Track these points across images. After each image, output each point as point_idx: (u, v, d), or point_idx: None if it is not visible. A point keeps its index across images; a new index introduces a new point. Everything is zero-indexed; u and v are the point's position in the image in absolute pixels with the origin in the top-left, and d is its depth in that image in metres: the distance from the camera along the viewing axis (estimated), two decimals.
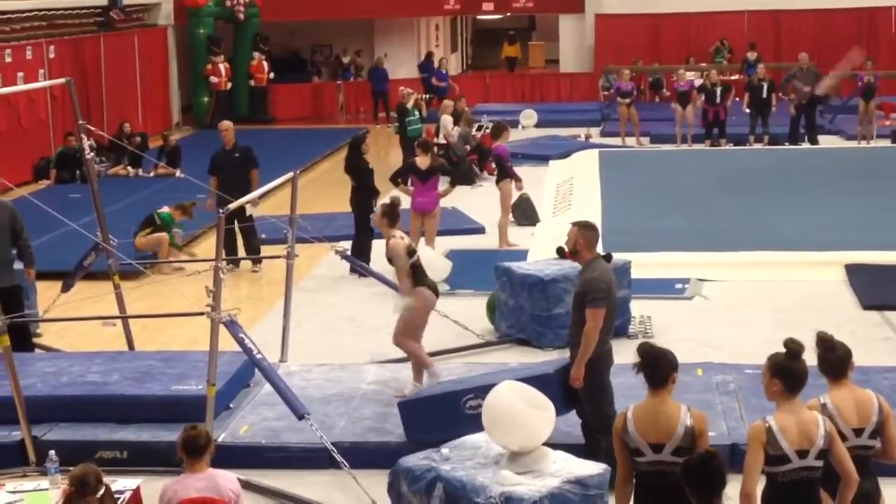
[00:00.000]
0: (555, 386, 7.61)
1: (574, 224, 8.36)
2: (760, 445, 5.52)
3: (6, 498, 7.18)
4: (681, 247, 14.65)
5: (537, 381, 7.74)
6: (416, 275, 9.67)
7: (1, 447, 8.70)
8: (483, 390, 8.14)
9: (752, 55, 27.68)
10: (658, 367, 5.90)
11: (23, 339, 10.23)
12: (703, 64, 28.74)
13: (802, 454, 5.56)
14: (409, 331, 9.74)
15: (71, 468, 6.17)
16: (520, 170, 16.61)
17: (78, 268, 10.82)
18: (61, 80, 10.62)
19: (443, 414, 8.45)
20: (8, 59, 21.30)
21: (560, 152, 22.82)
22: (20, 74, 21.27)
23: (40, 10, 23.68)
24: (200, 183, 13.94)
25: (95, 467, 6.24)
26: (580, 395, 8.08)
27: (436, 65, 30.30)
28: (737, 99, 25.17)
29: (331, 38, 33.51)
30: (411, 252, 9.72)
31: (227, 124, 15.01)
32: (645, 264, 12.98)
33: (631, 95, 24.45)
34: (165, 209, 15.26)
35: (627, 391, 8.07)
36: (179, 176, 14.44)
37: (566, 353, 10.91)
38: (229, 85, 29.11)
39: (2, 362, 8.89)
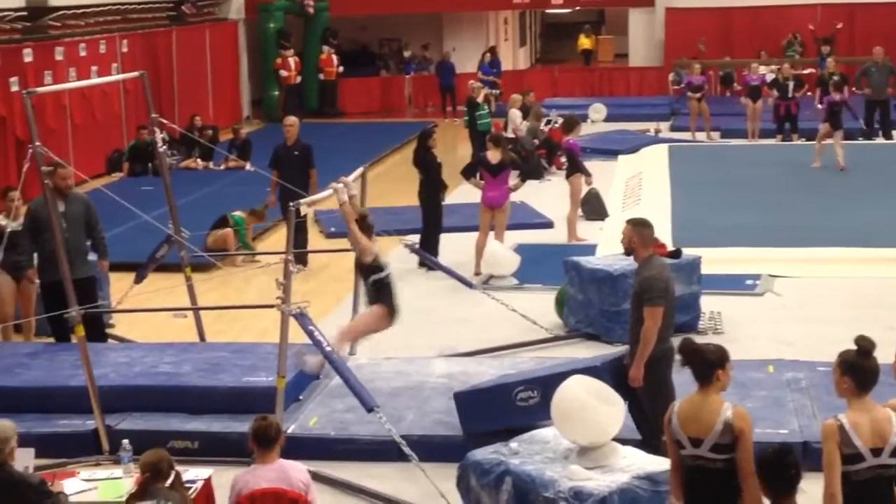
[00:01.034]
0: (605, 378, 7.57)
1: (628, 222, 8.29)
2: (836, 444, 5.47)
3: (80, 486, 7.27)
4: (752, 242, 14.51)
5: (586, 374, 7.71)
6: (383, 292, 9.23)
7: (75, 436, 8.82)
8: (533, 382, 8.21)
9: (825, 49, 27.36)
10: (696, 363, 5.94)
11: (97, 329, 10.34)
12: (776, 58, 28.46)
13: (876, 452, 5.49)
14: (353, 334, 9.53)
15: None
16: (589, 164, 16.55)
17: (150, 259, 10.91)
18: (135, 74, 10.76)
19: (495, 406, 8.50)
20: (82, 53, 21.56)
21: (629, 147, 22.71)
22: (94, 68, 21.54)
23: (114, 5, 23.95)
24: (270, 176, 14.05)
25: (167, 453, 6.32)
26: (641, 394, 7.98)
27: (486, 59, 30.20)
28: (808, 94, 24.91)
29: (399, 32, 33.57)
30: (376, 269, 9.22)
31: (292, 120, 14.99)
32: (715, 260, 12.86)
33: (701, 90, 24.25)
34: (238, 212, 15.39)
35: (690, 387, 8.00)
36: (249, 169, 14.54)
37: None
38: (299, 79, 29.27)
39: (76, 352, 9.02)
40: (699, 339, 10.75)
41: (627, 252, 8.19)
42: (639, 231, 8.11)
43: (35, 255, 10.53)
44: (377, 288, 9.18)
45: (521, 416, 8.12)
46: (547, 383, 7.99)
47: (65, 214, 10.17)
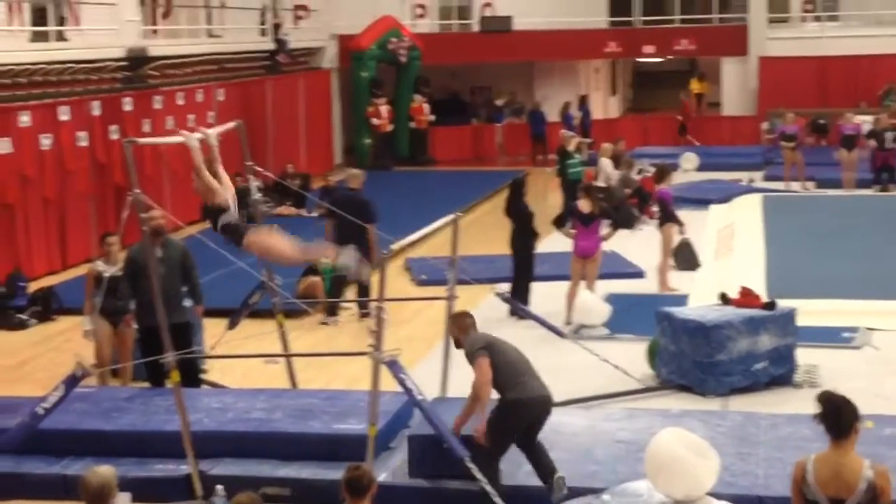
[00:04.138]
0: None
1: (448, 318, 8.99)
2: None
3: None
4: (848, 294, 14.28)
5: None
6: (235, 236, 9.05)
7: (168, 481, 8.89)
8: None
9: None
10: (840, 416, 5.69)
11: (191, 374, 10.46)
12: (874, 108, 28.07)
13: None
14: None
15: None
16: (680, 213, 16.42)
17: (243, 306, 11.00)
18: (232, 125, 10.88)
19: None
20: (180, 102, 21.95)
21: (721, 196, 22.52)
22: (191, 116, 21.91)
23: (211, 55, 24.39)
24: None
25: (259, 498, 6.34)
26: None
27: (572, 111, 30.23)
28: None
29: (490, 80, 33.73)
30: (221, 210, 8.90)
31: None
32: (811, 312, 12.66)
33: (795, 139, 24.02)
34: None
35: (800, 442, 7.88)
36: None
37: (730, 401, 10.82)
38: (391, 127, 29.51)
39: (171, 397, 9.12)
40: (795, 393, 10.69)
41: (457, 345, 8.70)
42: (457, 322, 8.72)
43: (133, 300, 10.69)
44: (229, 233, 8.83)
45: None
46: None
47: (162, 260, 10.33)
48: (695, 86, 35.61)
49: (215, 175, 9.06)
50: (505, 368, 8.29)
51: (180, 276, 10.61)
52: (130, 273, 10.46)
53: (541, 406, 8.37)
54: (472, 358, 8.36)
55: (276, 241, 8.95)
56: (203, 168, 8.94)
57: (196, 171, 8.91)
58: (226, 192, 8.98)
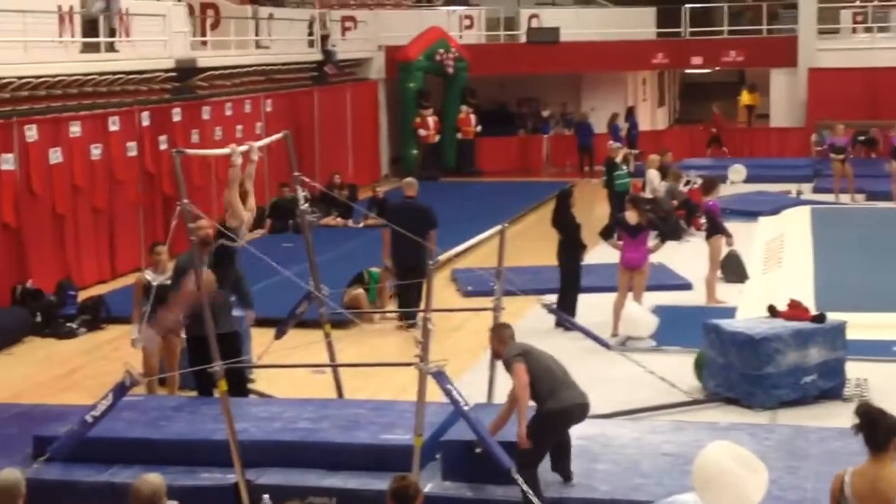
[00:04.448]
0: None
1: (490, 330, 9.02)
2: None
3: None
4: None
5: None
6: (222, 264, 9.71)
7: (216, 489, 8.92)
8: None
9: None
10: (877, 429, 5.65)
11: (239, 384, 10.51)
12: None
13: None
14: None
15: None
16: (728, 226, 16.32)
17: (290, 316, 11.05)
18: (279, 136, 10.94)
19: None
20: (228, 112, 22.09)
21: (770, 208, 22.38)
22: (239, 127, 22.05)
23: (259, 66, 24.54)
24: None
25: None
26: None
27: (620, 122, 30.18)
28: None
29: (538, 91, 33.72)
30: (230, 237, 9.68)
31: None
32: (861, 325, 12.55)
33: (845, 151, 23.84)
34: (375, 269, 15.57)
35: (850, 457, 7.79)
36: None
37: (778, 414, 10.74)
38: (437, 138, 29.55)
39: (218, 406, 9.16)
40: (845, 406, 10.59)
41: (495, 356, 8.91)
42: (498, 333, 8.81)
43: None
44: (218, 256, 9.53)
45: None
46: None
47: (210, 269, 10.38)
48: (745, 97, 35.46)
49: (244, 193, 9.31)
50: (542, 375, 8.41)
51: (229, 284, 10.66)
52: (179, 282, 10.51)
53: (578, 413, 8.53)
54: (509, 365, 8.47)
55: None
56: (236, 187, 9.20)
57: (229, 186, 9.36)
58: (244, 215, 9.24)
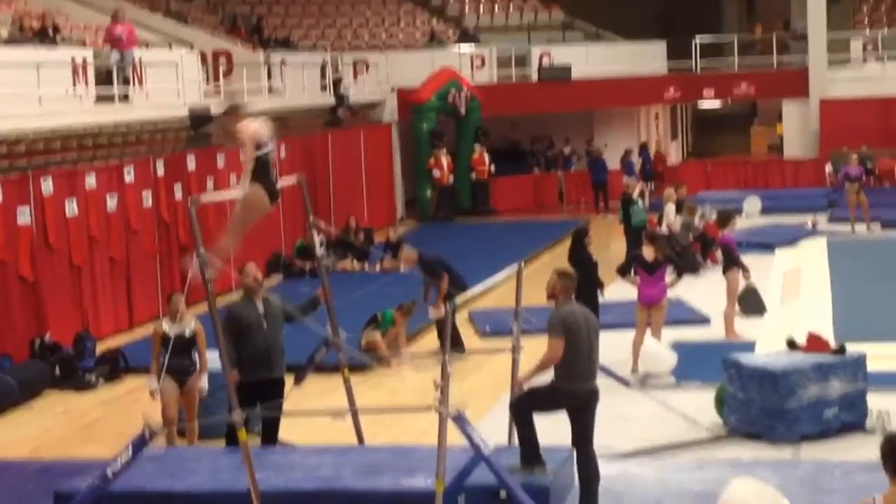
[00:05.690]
0: None
1: (556, 271, 9.39)
2: None
3: None
4: None
5: None
6: (260, 171, 9.35)
7: None
8: None
9: None
10: (892, 456, 5.61)
11: (274, 431, 10.51)
12: None
13: None
14: (236, 223, 9.50)
15: None
16: (745, 258, 16.27)
17: (309, 362, 11.02)
18: (293, 180, 10.96)
19: None
20: (243, 157, 22.09)
21: (786, 240, 22.35)
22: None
23: (273, 111, 24.61)
24: (425, 276, 14.20)
25: None
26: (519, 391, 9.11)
27: (632, 157, 30.16)
28: None
29: (550, 128, 33.78)
30: (260, 146, 9.36)
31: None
32: (882, 356, 12.50)
33: (859, 180, 23.81)
34: (390, 309, 15.59)
35: (876, 490, 7.72)
36: (404, 270, 14.73)
37: (801, 449, 10.67)
38: (451, 178, 29.60)
39: (237, 455, 9.13)
40: (868, 439, 10.51)
41: (550, 297, 9.20)
42: (563, 281, 9.18)
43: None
44: (260, 167, 9.29)
45: None
46: None
47: (265, 315, 10.41)
48: (780, 128, 34.68)
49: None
50: (571, 355, 8.82)
51: (283, 328, 10.62)
52: (231, 329, 10.35)
53: (584, 399, 8.98)
54: (551, 331, 8.85)
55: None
56: (238, 228, 9.27)
57: (232, 224, 9.47)
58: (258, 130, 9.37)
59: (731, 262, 15.36)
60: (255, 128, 9.37)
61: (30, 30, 18.96)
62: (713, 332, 15.53)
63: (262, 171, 9.30)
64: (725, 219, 16.04)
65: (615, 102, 32.20)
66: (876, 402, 11.49)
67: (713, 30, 36.31)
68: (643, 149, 31.27)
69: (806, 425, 10.93)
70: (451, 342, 14.86)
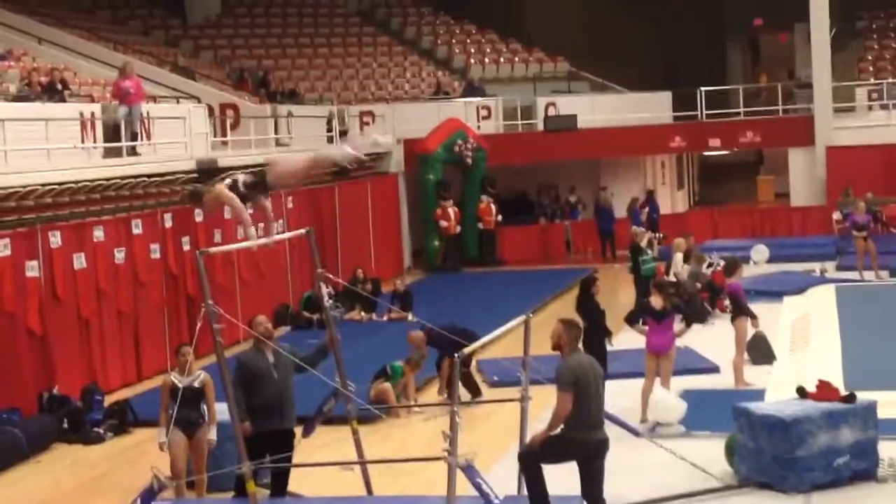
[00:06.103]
0: None
1: (560, 321, 9.34)
2: None
3: None
4: None
5: None
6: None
7: None
8: None
9: None
10: None
11: (283, 482, 10.47)
12: None
13: None
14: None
15: None
16: (753, 307, 16.24)
17: (318, 413, 11.00)
18: (301, 232, 10.99)
19: None
20: (249, 211, 22.14)
21: (795, 288, 22.31)
22: (261, 224, 22.07)
23: None
24: (432, 327, 14.16)
25: None
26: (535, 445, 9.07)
27: (639, 206, 30.23)
28: None
29: (557, 177, 33.84)
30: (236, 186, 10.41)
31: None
32: (892, 403, 12.42)
33: (867, 228, 23.82)
34: (399, 362, 15.59)
35: None
36: (412, 320, 14.71)
37: (812, 498, 10.61)
38: (458, 228, 29.63)
39: None
40: (879, 488, 10.46)
41: (555, 348, 9.22)
42: (568, 331, 9.16)
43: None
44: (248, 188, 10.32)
45: None
46: None
47: (275, 365, 10.40)
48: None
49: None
50: (581, 406, 8.90)
51: (293, 377, 10.60)
52: (242, 380, 10.36)
53: (595, 448, 9.08)
54: (559, 385, 8.93)
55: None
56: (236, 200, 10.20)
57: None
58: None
59: (740, 311, 15.34)
60: (220, 187, 10.31)
61: (38, 85, 19.09)
62: (723, 380, 15.49)
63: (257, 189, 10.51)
64: (732, 267, 16.04)
65: (621, 152, 32.28)
66: (887, 450, 11.43)
67: (719, 80, 36.46)
68: (650, 197, 31.29)
69: (817, 474, 10.86)
70: (468, 389, 15.02)
